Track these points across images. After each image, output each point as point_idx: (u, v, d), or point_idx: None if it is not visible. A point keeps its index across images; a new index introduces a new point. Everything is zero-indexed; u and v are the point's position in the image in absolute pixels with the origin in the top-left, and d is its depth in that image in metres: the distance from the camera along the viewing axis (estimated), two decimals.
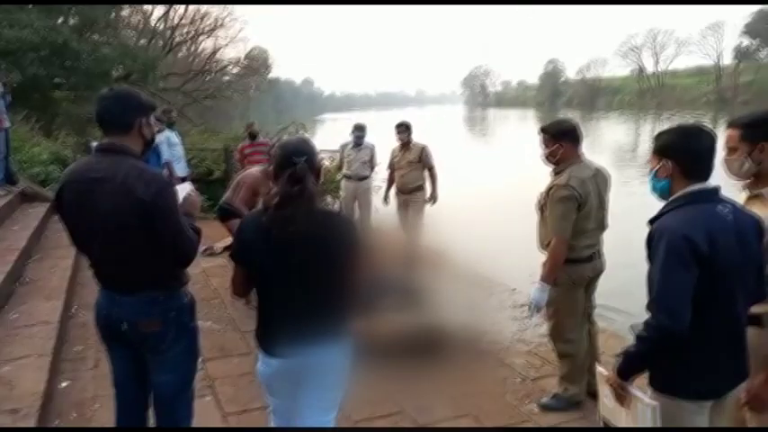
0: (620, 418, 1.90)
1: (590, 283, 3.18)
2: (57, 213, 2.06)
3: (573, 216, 2.95)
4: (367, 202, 7.01)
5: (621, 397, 1.86)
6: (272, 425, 2.06)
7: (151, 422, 2.25)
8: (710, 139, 1.78)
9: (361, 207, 7.01)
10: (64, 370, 3.38)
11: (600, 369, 2.06)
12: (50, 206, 6.73)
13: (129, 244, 1.94)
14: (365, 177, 6.90)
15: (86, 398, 3.11)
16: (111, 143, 1.97)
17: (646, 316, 1.75)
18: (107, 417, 2.71)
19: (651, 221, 1.82)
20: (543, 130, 3.10)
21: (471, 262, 6.45)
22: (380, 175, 7.49)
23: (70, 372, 3.38)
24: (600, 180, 3.05)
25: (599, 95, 74.95)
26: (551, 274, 3.01)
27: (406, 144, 6.13)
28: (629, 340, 2.30)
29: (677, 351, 1.71)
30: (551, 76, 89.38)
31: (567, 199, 2.93)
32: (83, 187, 1.93)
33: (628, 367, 1.84)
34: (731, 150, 2.11)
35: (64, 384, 3.23)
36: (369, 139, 6.94)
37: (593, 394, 3.17)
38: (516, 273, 5.42)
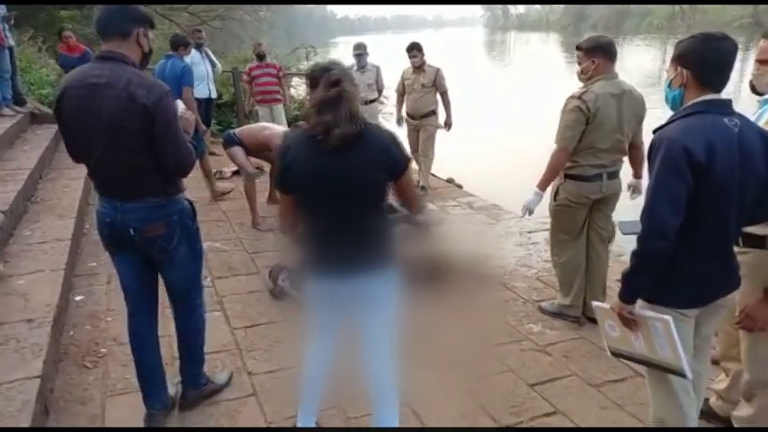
0: (632, 343, 1.86)
1: (599, 206, 3.16)
2: (56, 120, 2.09)
3: (578, 128, 2.94)
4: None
5: (629, 322, 1.82)
6: (314, 345, 2.07)
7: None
8: (731, 47, 1.71)
9: None
10: (78, 285, 3.50)
11: (596, 304, 2.02)
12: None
13: (131, 149, 1.99)
14: (372, 101, 6.70)
15: (100, 311, 3.23)
16: (110, 50, 2.01)
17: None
18: (120, 329, 2.83)
19: (655, 131, 1.77)
20: (578, 47, 3.05)
21: (480, 189, 6.43)
22: (392, 99, 7.29)
23: (84, 287, 3.50)
24: (626, 102, 2.97)
25: (626, 18, 71.12)
26: (545, 182, 3.10)
27: (419, 67, 5.88)
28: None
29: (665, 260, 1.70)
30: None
31: (575, 110, 2.91)
32: (83, 92, 1.96)
33: (629, 289, 1.80)
34: (763, 63, 2.06)
35: (78, 298, 3.35)
36: (383, 62, 6.69)
37: (591, 318, 3.24)
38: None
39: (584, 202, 3.12)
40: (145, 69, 2.13)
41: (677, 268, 1.74)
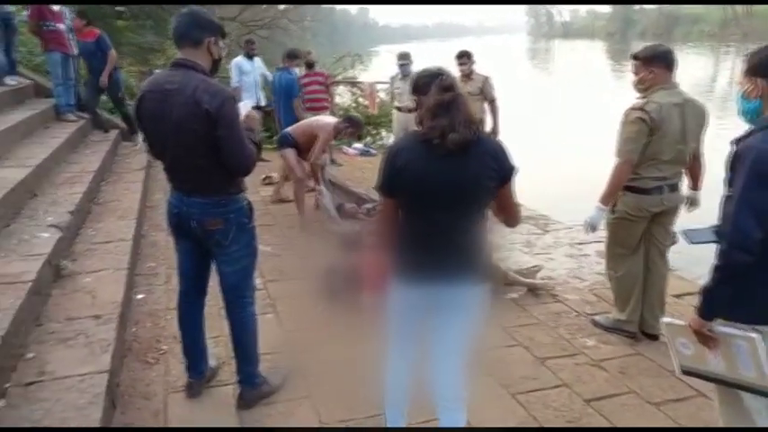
0: (709, 362, 1.78)
1: (659, 219, 3.07)
2: (138, 121, 2.30)
3: (641, 140, 2.87)
4: None
5: (708, 340, 1.75)
6: (396, 351, 2.07)
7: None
8: None
9: None
10: (138, 284, 3.64)
11: (668, 320, 1.94)
12: (118, 133, 7.04)
13: (197, 150, 2.14)
14: (415, 109, 6.69)
15: (159, 309, 3.35)
16: (183, 58, 2.18)
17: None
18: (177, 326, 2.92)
19: (735, 142, 1.73)
20: (634, 57, 2.99)
21: (526, 198, 6.35)
22: None
23: (144, 285, 3.64)
24: (689, 112, 2.89)
25: (676, 25, 68.98)
26: (607, 196, 3.01)
27: (467, 75, 5.86)
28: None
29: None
30: (625, 4, 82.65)
31: (637, 121, 2.85)
32: (158, 97, 2.14)
33: (709, 305, 1.73)
34: None
35: (139, 296, 3.48)
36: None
37: (648, 335, 3.16)
38: (575, 212, 5.29)
39: (644, 215, 3.04)
40: (214, 75, 2.28)
41: (757, 282, 1.68)
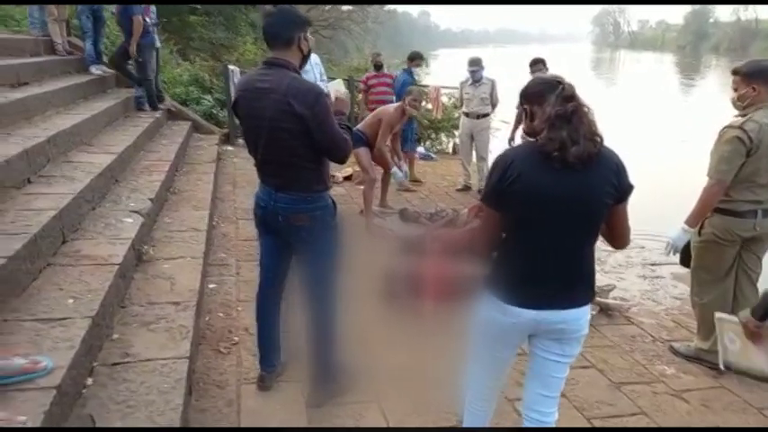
0: (752, 357, 1.88)
1: (750, 245, 2.89)
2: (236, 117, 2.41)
3: (737, 161, 2.72)
4: (484, 141, 6.78)
5: (755, 335, 1.81)
6: (477, 377, 1.99)
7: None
8: None
9: (478, 146, 6.80)
10: (211, 273, 3.73)
11: (720, 315, 1.96)
12: (191, 126, 7.28)
13: (288, 147, 2.20)
14: (484, 115, 6.63)
15: (231, 300, 3.42)
16: (275, 57, 2.22)
17: None
18: (249, 319, 2.98)
19: None
20: (735, 72, 2.85)
21: None
22: (503, 112, 7.16)
23: (216, 276, 3.73)
24: None
25: (754, 39, 65.37)
26: (695, 218, 2.87)
27: None
28: None
29: None
30: (699, 16, 79.10)
31: (734, 140, 2.70)
32: (253, 95, 2.21)
33: (764, 308, 1.82)
34: None
35: (211, 286, 3.57)
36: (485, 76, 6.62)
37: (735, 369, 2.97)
38: (648, 230, 5.07)
39: (734, 240, 2.87)
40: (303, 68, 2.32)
41: None
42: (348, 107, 2.58)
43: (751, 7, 69.81)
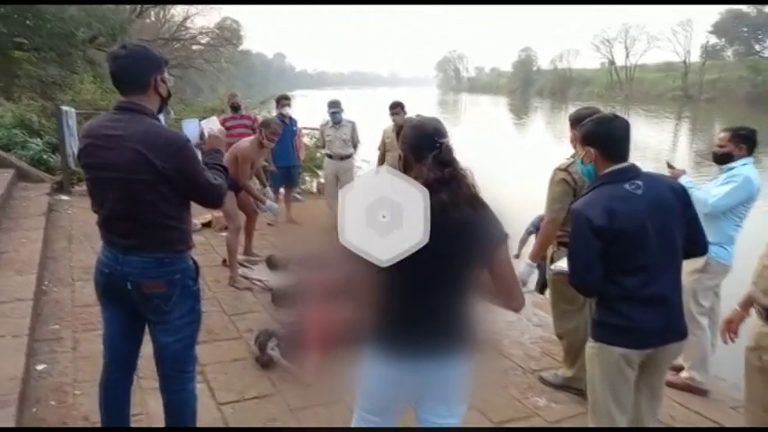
0: None
1: None
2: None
3: (567, 200, 2.92)
4: (349, 181, 6.81)
5: None
6: (363, 424, 1.82)
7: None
8: (624, 123, 2.09)
9: (343, 187, 6.80)
10: (39, 352, 3.12)
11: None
12: (15, 173, 6.32)
13: (144, 203, 1.93)
14: (347, 156, 6.69)
15: (66, 383, 2.87)
16: (129, 102, 1.96)
17: None
18: (89, 404, 2.52)
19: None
20: (569, 117, 3.08)
21: None
22: (365, 152, 7.26)
23: (47, 353, 3.13)
24: None
25: (570, 86, 75.90)
26: (536, 253, 3.17)
27: (401, 126, 5.90)
28: None
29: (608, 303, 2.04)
30: (524, 64, 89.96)
31: (561, 183, 2.95)
32: (101, 142, 1.93)
33: None
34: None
35: (40, 367, 2.98)
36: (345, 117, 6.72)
37: None
38: None
39: None
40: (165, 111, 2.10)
41: (619, 312, 2.07)
42: (224, 144, 2.30)
43: (565, 57, 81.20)
